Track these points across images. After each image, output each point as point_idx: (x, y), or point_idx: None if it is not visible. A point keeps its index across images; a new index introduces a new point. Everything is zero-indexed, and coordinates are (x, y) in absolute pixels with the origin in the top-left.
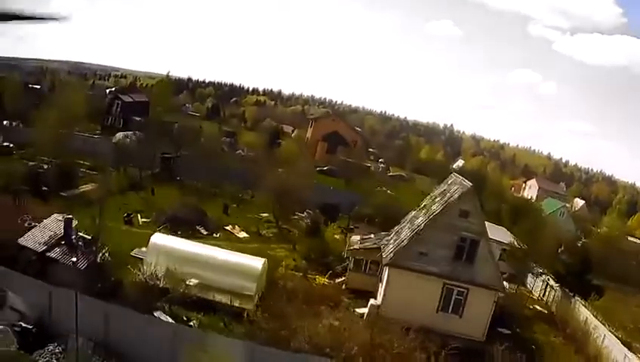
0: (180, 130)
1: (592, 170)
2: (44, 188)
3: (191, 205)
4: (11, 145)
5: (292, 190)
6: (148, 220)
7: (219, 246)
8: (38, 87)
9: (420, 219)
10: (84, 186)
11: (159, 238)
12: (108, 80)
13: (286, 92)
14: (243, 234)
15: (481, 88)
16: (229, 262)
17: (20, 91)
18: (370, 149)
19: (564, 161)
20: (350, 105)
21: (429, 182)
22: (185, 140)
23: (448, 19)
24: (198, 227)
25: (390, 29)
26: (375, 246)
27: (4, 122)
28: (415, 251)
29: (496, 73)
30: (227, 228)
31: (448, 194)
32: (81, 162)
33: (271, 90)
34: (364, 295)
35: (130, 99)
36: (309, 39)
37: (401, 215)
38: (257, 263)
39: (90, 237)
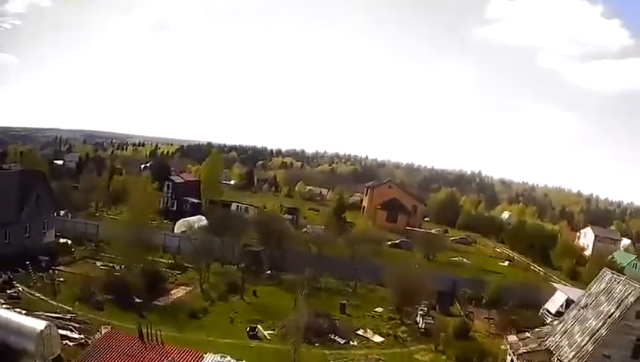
0: (243, 215)
1: (622, 202)
2: (135, 298)
3: (314, 310)
4: (69, 241)
5: (412, 281)
6: (274, 332)
7: (358, 356)
8: (61, 162)
9: (592, 320)
10: (175, 291)
11: None
12: (126, 149)
13: (309, 151)
14: (378, 338)
15: (499, 127)
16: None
17: (47, 171)
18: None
19: (594, 196)
20: (376, 160)
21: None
22: (262, 230)
23: (458, 60)
24: (331, 335)
25: (402, 74)
26: (544, 348)
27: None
28: (599, 354)
29: (511, 110)
30: (359, 332)
31: (618, 295)
32: (156, 259)
33: (294, 151)
34: None
35: (182, 180)
36: (322, 96)
37: (505, 292)
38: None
39: None
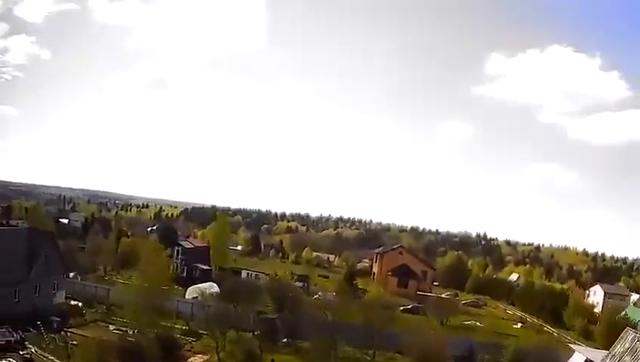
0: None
1: (628, 258)
2: None
3: None
4: (79, 303)
5: (431, 348)
6: None
7: None
8: (66, 221)
9: None
10: (192, 359)
11: None
12: (130, 210)
13: (313, 214)
14: None
15: (502, 188)
16: None
17: (53, 229)
18: None
19: (600, 253)
20: (381, 223)
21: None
22: (276, 297)
23: (459, 119)
24: None
25: (402, 135)
26: None
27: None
28: None
29: (514, 170)
30: None
31: None
32: (170, 325)
33: (299, 214)
34: None
35: (191, 246)
36: (324, 159)
37: (523, 355)
38: None
39: None
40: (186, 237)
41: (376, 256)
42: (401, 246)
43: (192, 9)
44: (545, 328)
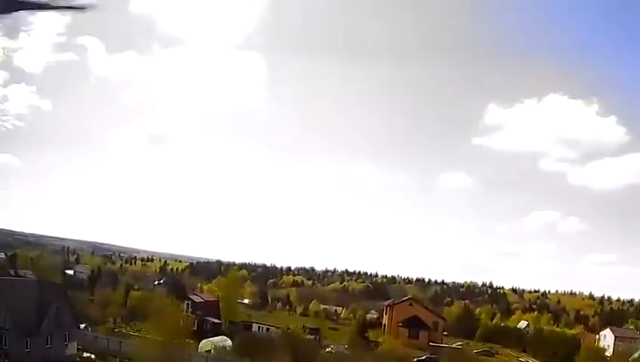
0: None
1: (634, 299)
2: None
3: None
4: (92, 355)
5: None
6: None
7: None
8: (72, 272)
9: None
10: None
11: None
12: (134, 264)
13: (318, 268)
14: None
15: (506, 237)
16: None
17: (60, 280)
18: None
19: (606, 296)
20: (386, 276)
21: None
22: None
23: (459, 169)
24: None
25: (403, 188)
26: None
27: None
28: None
29: (516, 218)
30: None
31: None
32: None
33: (304, 268)
34: None
35: (201, 300)
36: (327, 213)
37: None
38: None
39: None
40: (194, 292)
41: (386, 308)
42: (410, 297)
43: (191, 63)
44: None
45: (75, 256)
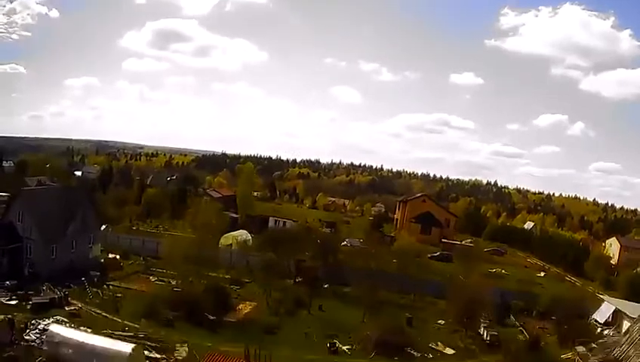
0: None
1: (638, 210)
2: (208, 314)
3: (387, 325)
4: (117, 256)
5: (471, 294)
6: (351, 347)
7: None
8: (80, 173)
9: None
10: (241, 306)
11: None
12: (139, 159)
13: (323, 160)
14: (450, 351)
15: (512, 138)
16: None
17: (74, 183)
18: None
19: (610, 204)
20: (391, 170)
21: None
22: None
23: (470, 70)
24: (407, 349)
25: (411, 86)
26: (612, 358)
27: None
28: None
29: (524, 120)
30: (431, 345)
31: None
32: (212, 274)
33: (310, 161)
34: None
35: (219, 195)
36: (334, 107)
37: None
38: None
39: None
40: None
41: (399, 203)
42: (424, 194)
43: None
44: (567, 278)
45: (79, 157)
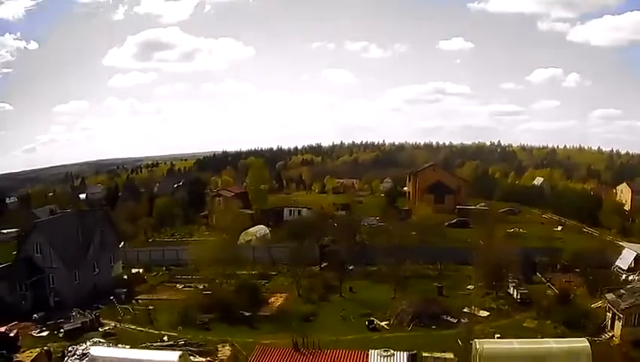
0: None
1: None
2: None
3: (420, 296)
4: (140, 270)
5: (497, 256)
6: (388, 322)
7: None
8: (84, 196)
9: None
10: (272, 299)
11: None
12: (140, 171)
13: (325, 144)
14: (484, 313)
15: (510, 96)
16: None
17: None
18: None
19: (614, 150)
20: (394, 143)
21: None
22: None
23: (458, 35)
24: (443, 317)
25: (402, 59)
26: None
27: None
28: None
29: (518, 78)
30: (465, 310)
31: None
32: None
33: (311, 146)
34: None
35: (232, 193)
36: (330, 87)
37: (576, 255)
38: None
39: None
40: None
41: (410, 176)
42: (432, 163)
43: None
44: (584, 229)
45: (79, 180)
